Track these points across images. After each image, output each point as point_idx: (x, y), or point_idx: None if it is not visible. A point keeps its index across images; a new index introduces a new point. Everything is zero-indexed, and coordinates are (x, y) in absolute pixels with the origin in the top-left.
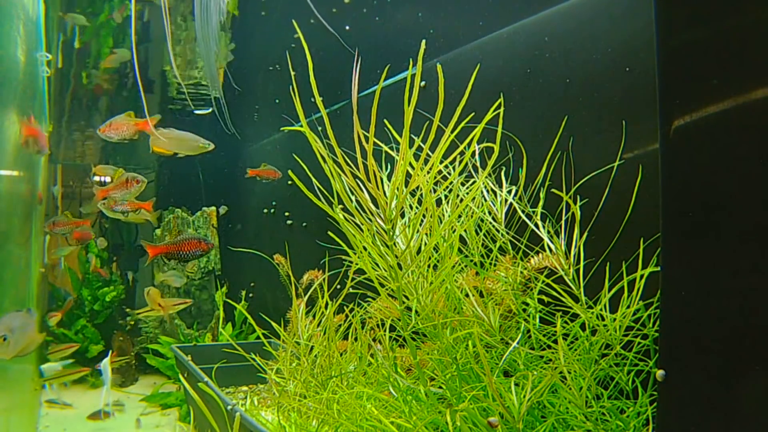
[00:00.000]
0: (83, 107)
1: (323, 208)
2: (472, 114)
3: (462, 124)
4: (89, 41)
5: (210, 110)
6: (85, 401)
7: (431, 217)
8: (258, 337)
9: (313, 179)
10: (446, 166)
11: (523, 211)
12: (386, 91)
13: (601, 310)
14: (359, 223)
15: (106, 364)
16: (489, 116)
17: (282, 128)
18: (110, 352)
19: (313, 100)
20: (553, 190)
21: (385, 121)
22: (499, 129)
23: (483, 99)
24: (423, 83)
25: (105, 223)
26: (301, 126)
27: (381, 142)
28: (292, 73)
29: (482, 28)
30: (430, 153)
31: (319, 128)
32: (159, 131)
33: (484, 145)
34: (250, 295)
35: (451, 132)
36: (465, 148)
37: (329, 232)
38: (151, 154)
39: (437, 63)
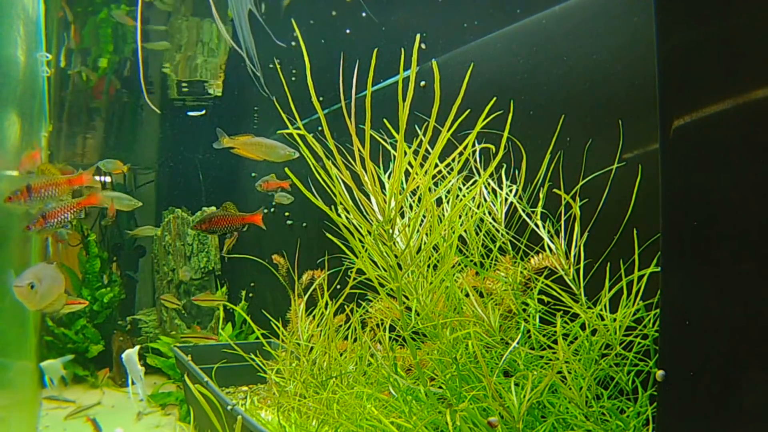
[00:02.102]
0: (83, 107)
1: (323, 208)
2: (468, 111)
3: (458, 121)
4: (90, 45)
5: (203, 112)
6: (86, 400)
7: (431, 217)
8: (258, 337)
9: (316, 177)
10: (446, 166)
11: (523, 211)
12: (389, 91)
13: (601, 310)
14: (359, 223)
15: (130, 356)
16: (484, 115)
17: (278, 131)
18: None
19: (319, 99)
20: (554, 190)
21: (385, 120)
22: (506, 132)
23: (484, 99)
24: (423, 83)
25: (105, 222)
26: (301, 127)
27: (383, 143)
28: (289, 76)
29: (483, 29)
30: (429, 150)
31: (318, 128)
32: (242, 139)
33: (483, 145)
34: (250, 295)
35: (449, 131)
36: (462, 149)
37: (328, 234)
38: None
39: (435, 62)
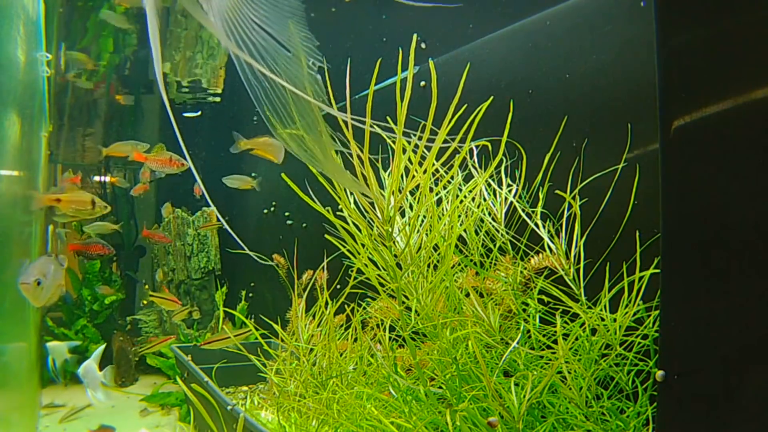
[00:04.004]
0: (83, 107)
1: (320, 211)
2: (465, 106)
3: (455, 118)
4: (90, 42)
5: (199, 113)
6: (84, 401)
7: (430, 216)
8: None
9: (316, 176)
10: (444, 165)
11: (523, 210)
12: (391, 91)
13: (601, 310)
14: (358, 223)
15: (88, 368)
16: (483, 112)
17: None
18: (109, 350)
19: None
20: (556, 191)
21: (388, 118)
22: (506, 131)
23: (483, 99)
24: (423, 83)
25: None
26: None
27: (382, 143)
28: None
29: (484, 28)
30: (426, 151)
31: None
32: (260, 140)
33: (481, 142)
34: (250, 295)
35: (447, 129)
36: (459, 147)
37: (327, 236)
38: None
39: (433, 61)
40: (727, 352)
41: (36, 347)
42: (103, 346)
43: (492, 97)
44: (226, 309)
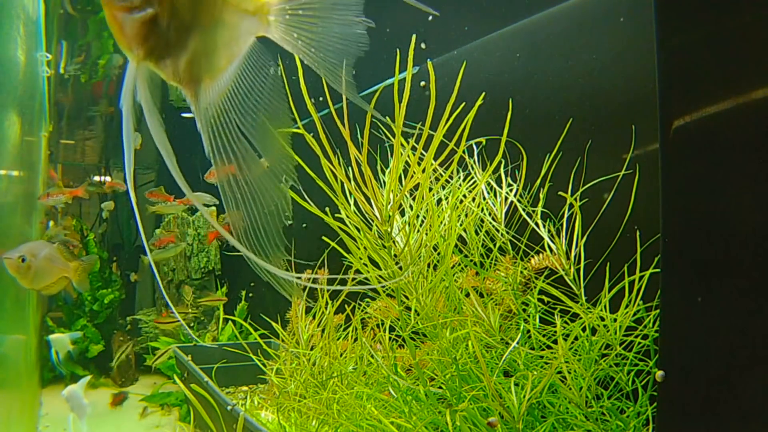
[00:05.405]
0: (83, 107)
1: (318, 213)
2: (463, 104)
3: (453, 117)
4: (90, 42)
5: None
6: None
7: (430, 215)
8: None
9: (313, 175)
10: (442, 165)
11: (523, 210)
12: (391, 91)
13: (601, 310)
14: (357, 224)
15: (73, 392)
16: (475, 111)
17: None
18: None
19: (321, 99)
20: (559, 192)
21: (387, 119)
22: (505, 130)
23: (484, 99)
24: (423, 83)
25: (102, 230)
26: (300, 127)
27: (387, 134)
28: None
29: (484, 29)
30: (424, 152)
31: (317, 129)
32: None
33: (477, 139)
34: (250, 294)
35: (445, 128)
36: (455, 147)
37: (325, 238)
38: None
39: (432, 62)
40: (727, 351)
41: (36, 348)
42: (89, 377)
43: (484, 94)
44: (228, 316)
